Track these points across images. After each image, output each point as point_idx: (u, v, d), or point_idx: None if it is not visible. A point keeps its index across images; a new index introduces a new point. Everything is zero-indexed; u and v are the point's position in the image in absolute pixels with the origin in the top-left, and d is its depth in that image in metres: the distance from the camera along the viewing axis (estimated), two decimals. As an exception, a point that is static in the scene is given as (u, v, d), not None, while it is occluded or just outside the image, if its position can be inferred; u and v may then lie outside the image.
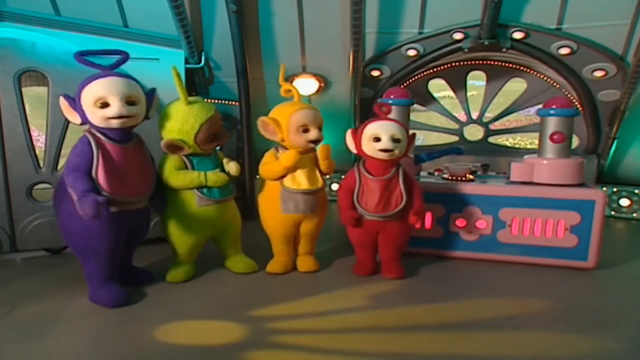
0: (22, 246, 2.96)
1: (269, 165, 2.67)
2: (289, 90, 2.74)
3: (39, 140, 3.38)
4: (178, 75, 2.49)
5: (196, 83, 3.72)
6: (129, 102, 2.24)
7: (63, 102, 2.26)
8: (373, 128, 2.55)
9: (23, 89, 2.87)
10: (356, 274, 2.74)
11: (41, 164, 2.96)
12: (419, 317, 2.24)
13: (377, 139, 2.52)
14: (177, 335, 2.05)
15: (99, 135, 2.26)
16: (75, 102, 2.25)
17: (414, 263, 2.89)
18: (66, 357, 1.89)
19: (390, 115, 2.70)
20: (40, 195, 3.00)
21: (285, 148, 2.66)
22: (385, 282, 2.65)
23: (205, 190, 2.52)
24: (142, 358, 1.88)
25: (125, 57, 2.38)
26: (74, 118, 2.28)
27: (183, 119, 2.44)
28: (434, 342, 2.01)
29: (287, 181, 2.63)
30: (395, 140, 2.51)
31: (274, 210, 2.68)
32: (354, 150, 2.65)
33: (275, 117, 2.63)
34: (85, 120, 2.26)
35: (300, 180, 2.63)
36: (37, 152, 2.96)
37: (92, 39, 3.18)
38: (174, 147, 2.47)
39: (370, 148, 2.56)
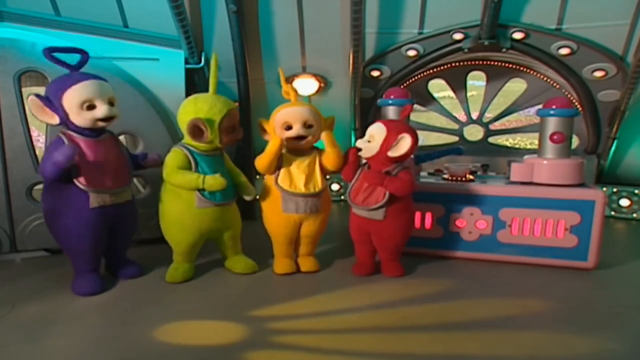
0: (22, 246, 2.97)
1: (260, 157, 2.66)
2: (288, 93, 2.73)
3: (39, 140, 3.39)
4: (216, 64, 2.59)
5: (196, 83, 3.72)
6: (111, 103, 2.38)
7: (36, 102, 2.29)
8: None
9: (23, 89, 2.88)
10: (355, 274, 2.74)
11: (41, 164, 2.96)
12: (419, 317, 2.24)
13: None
14: (177, 335, 2.05)
15: (72, 134, 2.36)
16: (52, 103, 2.30)
17: (414, 263, 2.89)
18: (66, 357, 1.89)
19: (390, 116, 2.70)
20: (40, 195, 3.00)
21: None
22: (385, 282, 2.65)
23: (206, 192, 2.51)
24: (142, 358, 1.88)
25: (86, 57, 2.47)
26: (51, 118, 2.33)
27: (212, 103, 2.49)
28: (434, 342, 2.01)
29: (284, 183, 2.63)
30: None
31: (276, 210, 2.68)
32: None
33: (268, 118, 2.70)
34: (64, 121, 2.33)
35: (297, 183, 2.63)
36: (37, 152, 2.96)
37: (92, 39, 3.18)
38: (198, 129, 2.44)
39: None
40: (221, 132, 2.50)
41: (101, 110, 2.31)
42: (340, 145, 2.69)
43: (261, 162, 2.63)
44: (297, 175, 2.64)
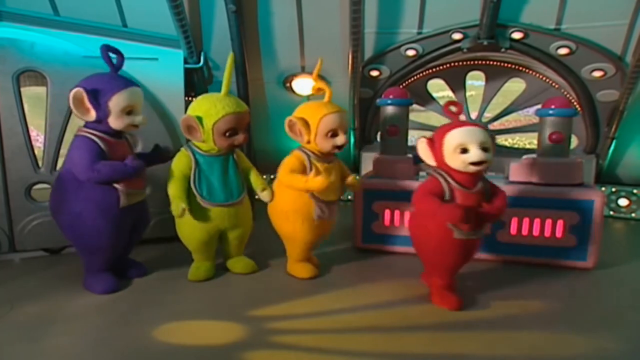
0: (21, 246, 2.96)
1: (294, 177, 2.47)
2: (320, 89, 2.61)
3: (38, 140, 3.38)
4: (231, 64, 2.53)
5: (195, 83, 3.72)
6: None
7: (81, 95, 2.24)
8: (457, 136, 2.10)
9: (22, 89, 2.87)
10: (457, 309, 2.28)
11: (40, 164, 2.96)
12: (419, 317, 2.25)
13: (465, 150, 2.10)
14: (177, 335, 2.05)
15: (99, 133, 2.34)
16: (96, 100, 2.27)
17: (414, 263, 2.88)
18: (66, 357, 1.89)
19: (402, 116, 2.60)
20: (39, 195, 2.99)
21: (305, 152, 2.55)
22: (384, 283, 2.65)
23: (205, 194, 2.52)
24: (142, 358, 1.88)
25: (121, 58, 2.46)
26: (86, 113, 2.30)
27: (213, 103, 2.45)
28: (433, 342, 2.02)
29: (323, 193, 2.54)
30: (485, 149, 2.10)
31: (307, 218, 2.56)
32: (432, 163, 2.26)
33: (304, 117, 2.49)
34: (100, 120, 2.31)
35: (329, 191, 2.55)
36: (35, 152, 2.96)
37: (91, 39, 3.17)
38: (190, 127, 2.45)
39: (458, 162, 2.11)
40: (214, 134, 2.44)
41: (138, 117, 2.39)
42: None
43: (293, 185, 2.49)
44: (332, 184, 2.53)
